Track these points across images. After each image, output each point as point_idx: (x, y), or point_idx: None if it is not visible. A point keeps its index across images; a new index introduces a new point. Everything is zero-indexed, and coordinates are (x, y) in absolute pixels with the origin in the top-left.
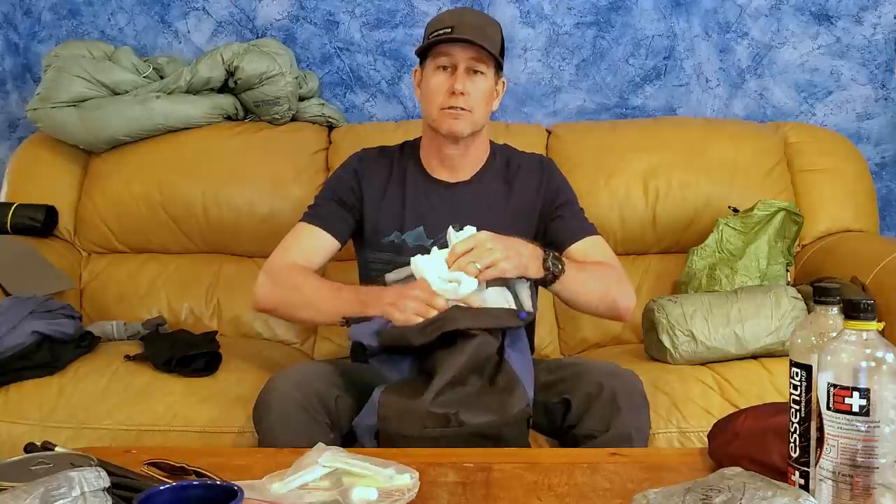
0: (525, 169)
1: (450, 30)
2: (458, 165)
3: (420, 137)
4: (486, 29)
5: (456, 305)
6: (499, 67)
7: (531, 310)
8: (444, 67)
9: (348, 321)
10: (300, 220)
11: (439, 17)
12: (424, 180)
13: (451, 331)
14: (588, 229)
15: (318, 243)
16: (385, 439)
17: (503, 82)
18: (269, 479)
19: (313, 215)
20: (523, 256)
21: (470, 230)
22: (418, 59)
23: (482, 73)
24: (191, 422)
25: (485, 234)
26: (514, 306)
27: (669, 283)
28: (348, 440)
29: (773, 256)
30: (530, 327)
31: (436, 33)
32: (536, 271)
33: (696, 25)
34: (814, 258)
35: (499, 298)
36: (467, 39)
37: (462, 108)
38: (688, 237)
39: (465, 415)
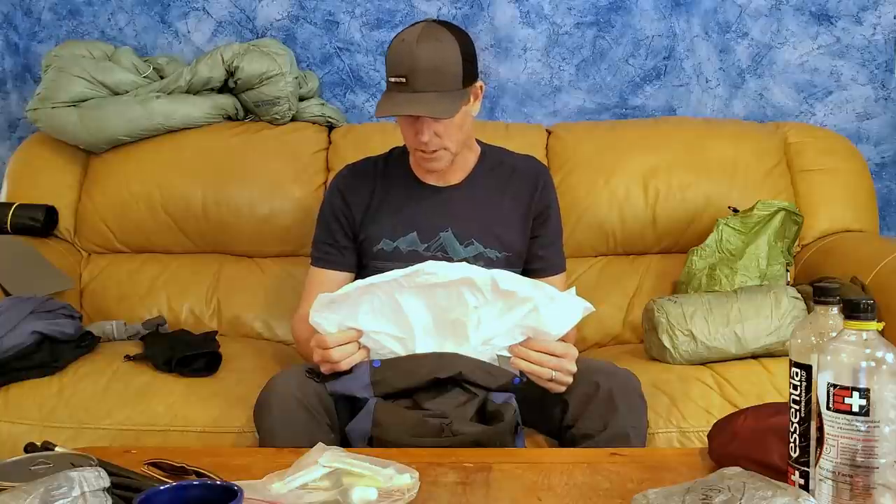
0: (521, 172)
1: (404, 80)
2: (447, 172)
3: None
4: (440, 67)
5: (455, 353)
6: (469, 83)
7: (522, 377)
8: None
9: (319, 376)
10: (310, 264)
11: (394, 57)
12: (415, 186)
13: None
14: (562, 265)
15: (330, 284)
16: (378, 446)
17: (480, 86)
18: (269, 479)
19: (318, 257)
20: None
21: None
22: None
23: None
24: (191, 422)
25: (576, 353)
26: (496, 363)
27: (669, 283)
28: (342, 445)
29: (773, 256)
30: None
31: (391, 80)
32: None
33: (696, 25)
34: (814, 258)
35: (484, 355)
36: (425, 91)
37: (435, 151)
38: (688, 237)
39: (458, 425)
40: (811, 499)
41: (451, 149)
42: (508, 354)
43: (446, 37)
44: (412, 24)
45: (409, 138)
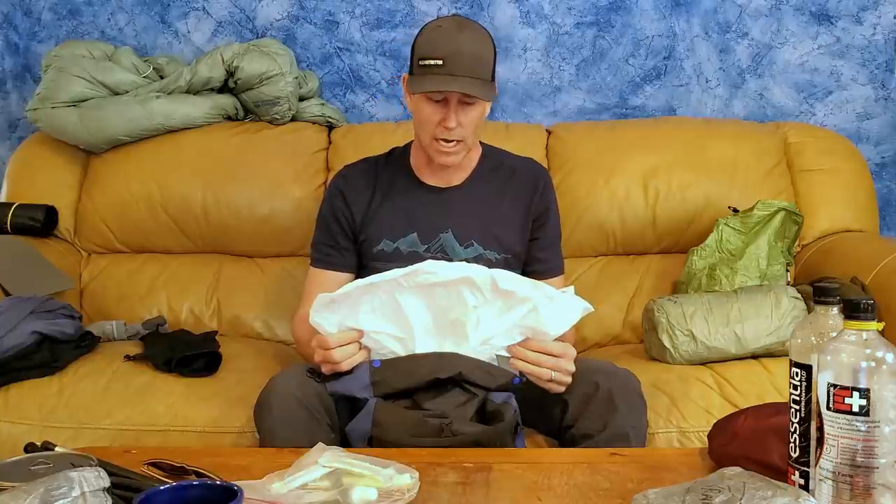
0: (521, 174)
1: (442, 62)
2: (448, 172)
3: (409, 143)
4: (479, 55)
5: (455, 353)
6: (493, 77)
7: (522, 377)
8: (437, 99)
9: (320, 376)
10: (310, 265)
11: (430, 42)
12: (415, 187)
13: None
14: (560, 267)
15: (330, 285)
16: (378, 446)
17: (494, 84)
18: (269, 479)
19: (318, 258)
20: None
21: (481, 268)
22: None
23: (475, 103)
24: (191, 422)
25: (574, 352)
26: (495, 363)
27: (669, 283)
28: (342, 445)
29: (773, 256)
30: None
31: (427, 62)
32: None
33: (696, 25)
34: (814, 258)
35: (483, 355)
36: (461, 75)
37: (455, 141)
38: (688, 237)
39: (458, 425)
40: (811, 499)
41: (467, 142)
42: (508, 354)
43: (480, 29)
44: (438, 18)
45: (431, 126)
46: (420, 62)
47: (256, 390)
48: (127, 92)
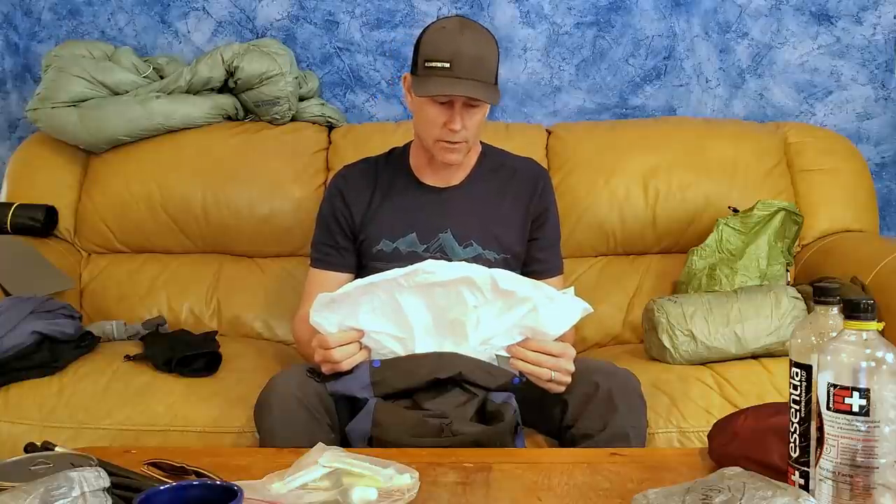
0: (521, 174)
1: (448, 65)
2: (450, 172)
3: (409, 143)
4: (483, 57)
5: (455, 353)
6: (496, 80)
7: (522, 377)
8: (441, 101)
9: (320, 376)
10: (310, 265)
11: (435, 43)
12: (414, 187)
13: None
14: (559, 267)
15: (330, 285)
16: (378, 446)
17: (497, 87)
18: (269, 479)
19: (318, 259)
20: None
21: (481, 268)
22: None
23: (479, 105)
24: (191, 422)
25: (573, 352)
26: (495, 362)
27: (669, 283)
28: (342, 445)
29: (773, 256)
30: None
31: (432, 64)
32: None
33: (696, 25)
34: (814, 258)
35: (482, 355)
36: (468, 78)
37: (458, 142)
38: (688, 237)
39: (458, 425)
40: (811, 499)
41: (470, 142)
42: (507, 354)
43: (484, 31)
44: (442, 18)
45: (435, 127)
46: (425, 64)
47: (256, 390)
48: (127, 92)
